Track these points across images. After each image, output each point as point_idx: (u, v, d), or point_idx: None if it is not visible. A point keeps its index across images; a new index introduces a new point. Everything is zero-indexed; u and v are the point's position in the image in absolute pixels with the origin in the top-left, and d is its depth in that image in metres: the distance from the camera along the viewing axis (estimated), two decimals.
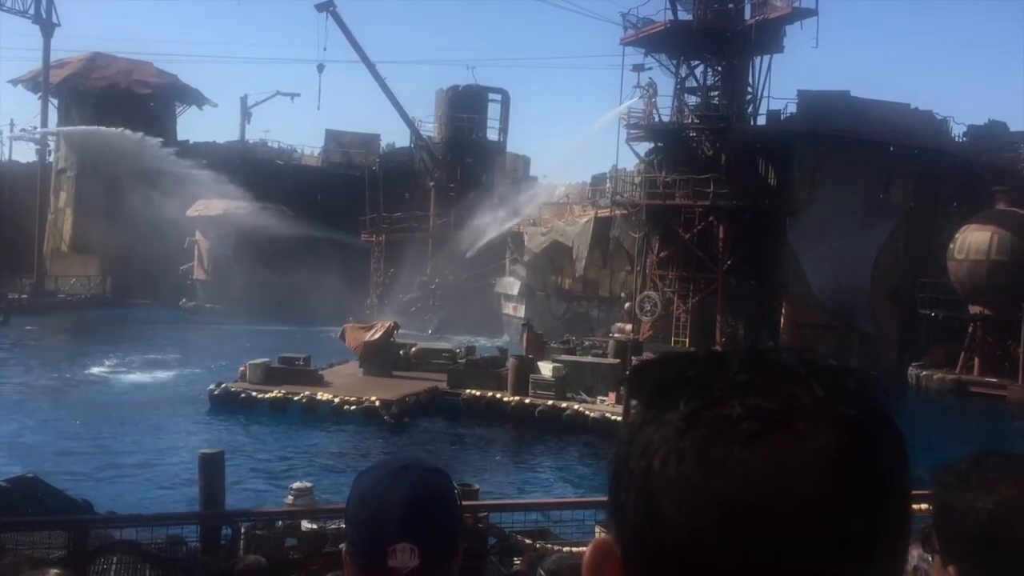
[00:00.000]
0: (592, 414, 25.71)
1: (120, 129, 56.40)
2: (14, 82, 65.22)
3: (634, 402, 0.79)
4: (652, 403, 0.77)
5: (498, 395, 27.66)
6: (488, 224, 52.65)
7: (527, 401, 27.08)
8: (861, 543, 0.72)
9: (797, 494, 0.70)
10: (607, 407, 25.74)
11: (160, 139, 57.38)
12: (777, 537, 0.70)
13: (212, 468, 10.68)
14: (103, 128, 56.91)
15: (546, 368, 28.27)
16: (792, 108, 43.79)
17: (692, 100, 45.90)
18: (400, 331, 32.76)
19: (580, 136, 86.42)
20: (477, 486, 12.32)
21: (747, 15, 43.98)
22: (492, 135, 60.56)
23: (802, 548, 0.70)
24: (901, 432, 0.77)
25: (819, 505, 0.71)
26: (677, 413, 0.75)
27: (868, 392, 0.77)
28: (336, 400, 26.62)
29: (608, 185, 52.73)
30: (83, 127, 59.34)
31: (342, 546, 1.73)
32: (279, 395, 26.87)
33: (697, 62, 45.49)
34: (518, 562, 9.76)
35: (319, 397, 26.83)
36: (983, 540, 1.46)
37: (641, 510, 0.74)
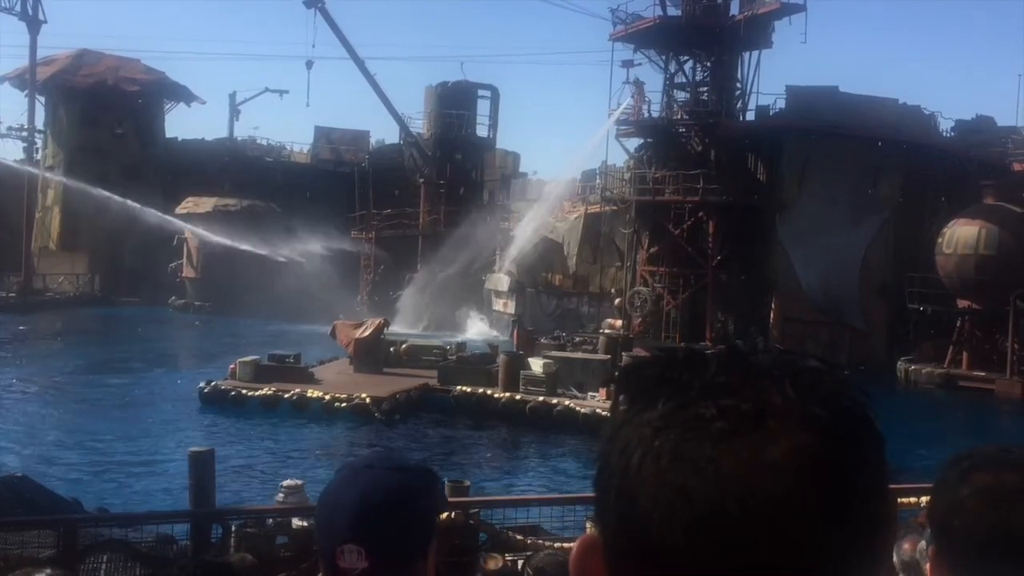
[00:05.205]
0: (583, 410, 25.72)
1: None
2: (0, 80, 64.82)
3: (621, 400, 0.81)
4: (634, 403, 0.79)
5: (489, 391, 27.66)
6: (478, 221, 52.59)
7: (518, 397, 27.08)
8: (832, 543, 0.72)
9: (766, 493, 0.71)
10: (598, 403, 25.77)
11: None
12: (747, 536, 0.70)
13: (202, 466, 10.67)
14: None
15: (536, 364, 28.28)
16: (781, 104, 43.93)
17: (681, 96, 45.96)
18: (390, 328, 32.73)
19: (578, 139, 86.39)
20: (468, 482, 12.35)
21: (736, 10, 44.05)
22: (482, 131, 60.37)
23: (772, 547, 0.70)
24: (878, 432, 0.77)
25: (788, 504, 0.71)
26: (656, 412, 0.76)
27: (844, 392, 0.77)
28: (327, 397, 26.57)
29: (598, 181, 52.76)
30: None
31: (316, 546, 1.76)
32: (269, 393, 26.77)
33: (686, 58, 45.53)
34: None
35: (309, 394, 26.75)
36: (958, 526, 1.53)
37: (620, 508, 0.76)
